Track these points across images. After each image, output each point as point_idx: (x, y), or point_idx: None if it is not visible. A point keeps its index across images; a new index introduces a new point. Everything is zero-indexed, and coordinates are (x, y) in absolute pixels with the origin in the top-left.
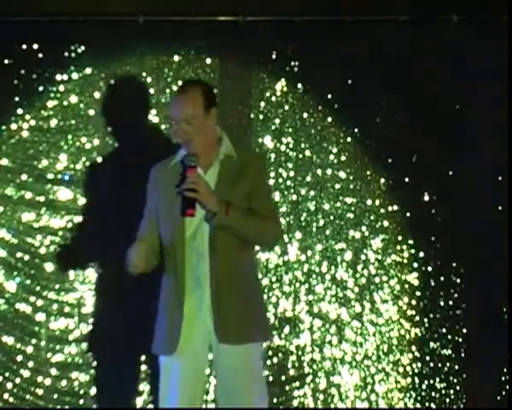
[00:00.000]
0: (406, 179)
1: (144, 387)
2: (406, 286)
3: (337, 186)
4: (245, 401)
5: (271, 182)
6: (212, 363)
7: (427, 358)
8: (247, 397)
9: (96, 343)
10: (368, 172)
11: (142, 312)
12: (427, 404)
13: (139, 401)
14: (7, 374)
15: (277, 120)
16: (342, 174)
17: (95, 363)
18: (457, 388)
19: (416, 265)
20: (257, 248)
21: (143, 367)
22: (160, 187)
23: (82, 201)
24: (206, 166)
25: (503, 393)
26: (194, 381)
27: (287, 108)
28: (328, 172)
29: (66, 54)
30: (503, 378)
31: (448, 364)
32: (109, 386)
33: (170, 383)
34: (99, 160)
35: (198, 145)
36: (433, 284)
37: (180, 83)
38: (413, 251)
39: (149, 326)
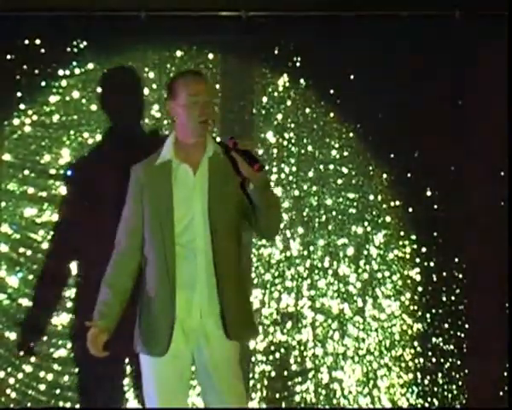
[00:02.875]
0: (408, 175)
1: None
2: (408, 281)
3: (339, 182)
4: (229, 396)
5: (273, 177)
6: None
7: (430, 353)
8: (231, 393)
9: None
10: (370, 168)
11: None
12: (429, 399)
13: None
14: (9, 369)
15: (279, 116)
16: (344, 170)
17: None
18: (459, 383)
19: (418, 260)
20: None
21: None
22: (148, 186)
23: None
24: (194, 165)
25: (505, 388)
26: (180, 384)
27: (289, 103)
28: (331, 167)
29: (69, 49)
30: (506, 374)
31: (450, 359)
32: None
33: (154, 384)
34: (97, 155)
35: (208, 129)
36: (435, 279)
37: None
38: (415, 246)
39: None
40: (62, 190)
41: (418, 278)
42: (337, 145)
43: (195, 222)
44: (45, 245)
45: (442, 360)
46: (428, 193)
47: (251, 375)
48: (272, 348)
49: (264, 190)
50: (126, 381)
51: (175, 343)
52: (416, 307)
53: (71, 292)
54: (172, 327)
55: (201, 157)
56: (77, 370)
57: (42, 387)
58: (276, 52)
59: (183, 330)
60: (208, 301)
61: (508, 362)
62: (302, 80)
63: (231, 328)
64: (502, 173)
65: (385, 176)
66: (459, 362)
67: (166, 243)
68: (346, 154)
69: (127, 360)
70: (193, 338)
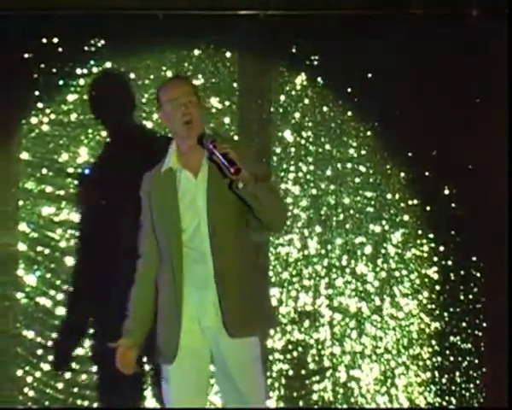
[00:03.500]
0: (426, 173)
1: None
2: (426, 280)
3: (357, 180)
4: (249, 394)
5: (291, 176)
6: (213, 359)
7: (447, 352)
8: (250, 391)
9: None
10: (388, 166)
11: None
12: (446, 398)
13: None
14: (27, 368)
15: (297, 114)
16: (362, 168)
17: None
18: (477, 382)
19: (435, 259)
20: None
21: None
22: (154, 193)
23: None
24: (195, 169)
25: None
26: (198, 384)
27: (306, 101)
28: (348, 166)
29: (86, 48)
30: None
31: (468, 358)
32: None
33: (173, 391)
34: (113, 154)
35: (199, 127)
36: (452, 277)
37: (200, 77)
38: (433, 245)
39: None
40: (81, 189)
41: (436, 276)
42: (355, 144)
43: (202, 226)
44: (63, 244)
45: (460, 359)
46: (446, 192)
47: (268, 374)
48: (290, 346)
49: (251, 188)
50: (145, 379)
51: (192, 343)
52: (433, 306)
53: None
54: (178, 337)
55: (201, 159)
56: (95, 368)
57: (60, 385)
58: (293, 51)
59: (201, 329)
60: (218, 302)
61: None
62: (319, 79)
63: (230, 326)
64: None
65: (402, 175)
66: (477, 361)
67: (174, 250)
68: (363, 152)
69: (145, 359)
70: (210, 335)
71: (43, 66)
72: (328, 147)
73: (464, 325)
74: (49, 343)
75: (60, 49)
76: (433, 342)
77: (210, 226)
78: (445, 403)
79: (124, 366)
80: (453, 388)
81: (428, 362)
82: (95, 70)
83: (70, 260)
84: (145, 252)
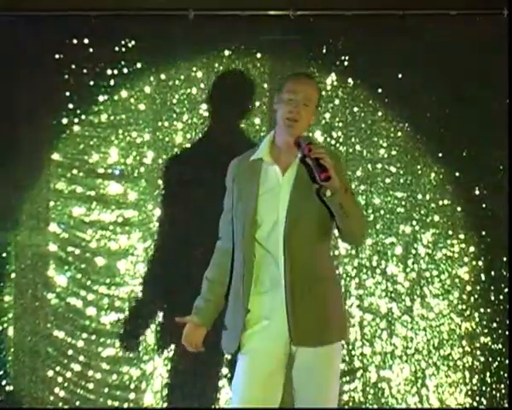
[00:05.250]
0: (457, 174)
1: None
2: (457, 280)
3: (387, 181)
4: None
5: None
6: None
7: (478, 352)
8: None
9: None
10: (418, 167)
11: None
12: (477, 398)
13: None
14: (58, 368)
15: (327, 115)
16: (392, 169)
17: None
18: (508, 382)
19: (466, 259)
20: None
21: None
22: (238, 180)
23: (133, 195)
24: (285, 166)
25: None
26: (265, 381)
27: (337, 102)
28: (379, 166)
29: (117, 48)
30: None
31: (498, 358)
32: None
33: (239, 381)
34: (152, 155)
35: (301, 130)
36: (483, 278)
37: (231, 78)
38: (464, 245)
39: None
40: (111, 189)
41: (466, 277)
42: (385, 144)
43: (279, 226)
44: (94, 244)
45: (490, 360)
46: (477, 192)
47: None
48: None
49: (339, 198)
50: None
51: (262, 344)
52: (464, 307)
53: (119, 291)
54: (239, 335)
55: (293, 158)
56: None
57: (90, 386)
58: (323, 51)
59: (274, 332)
60: (286, 307)
61: (508, 363)
62: (350, 79)
63: (296, 334)
64: None
65: (433, 175)
66: (507, 361)
67: (246, 243)
68: (394, 153)
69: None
70: (282, 339)
71: (73, 66)
72: (358, 147)
73: (495, 325)
74: (80, 344)
75: (90, 50)
76: (464, 343)
77: (287, 228)
78: (475, 404)
79: (190, 344)
80: (484, 388)
81: (459, 363)
82: (125, 71)
83: (100, 261)
84: (223, 237)
